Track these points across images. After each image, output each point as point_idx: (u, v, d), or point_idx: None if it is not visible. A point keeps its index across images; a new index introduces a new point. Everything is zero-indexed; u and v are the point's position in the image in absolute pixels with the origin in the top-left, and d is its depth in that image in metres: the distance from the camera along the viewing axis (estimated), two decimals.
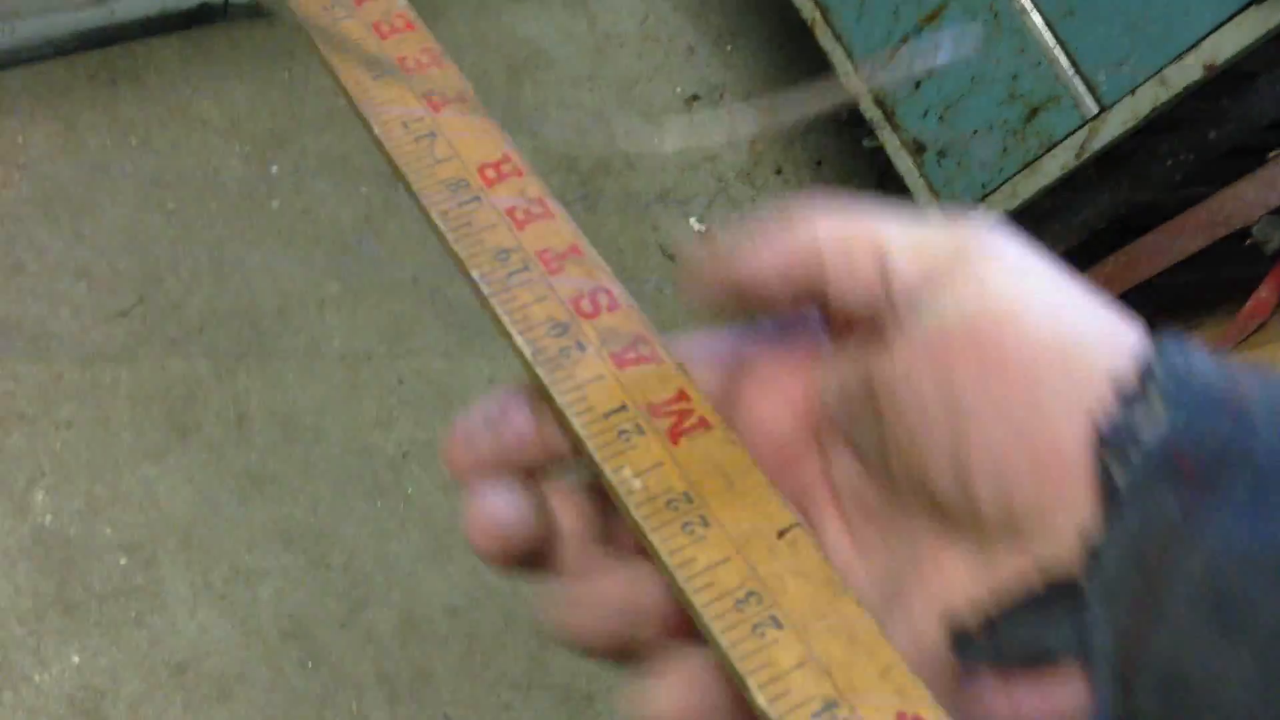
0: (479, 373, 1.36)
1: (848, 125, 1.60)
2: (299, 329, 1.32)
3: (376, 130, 0.30)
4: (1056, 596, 0.23)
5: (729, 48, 1.66)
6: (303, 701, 1.18)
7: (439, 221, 0.28)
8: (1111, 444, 0.22)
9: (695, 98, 1.61)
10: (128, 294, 1.28)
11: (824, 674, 0.22)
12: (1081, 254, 1.25)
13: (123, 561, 1.18)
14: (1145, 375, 0.23)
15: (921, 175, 1.31)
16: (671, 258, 1.49)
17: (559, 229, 0.28)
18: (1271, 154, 1.06)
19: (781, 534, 0.24)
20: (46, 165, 1.31)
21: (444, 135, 0.30)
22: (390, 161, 0.30)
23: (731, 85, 1.63)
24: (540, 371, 0.26)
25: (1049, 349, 0.23)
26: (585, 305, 0.27)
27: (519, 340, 0.26)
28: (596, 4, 1.63)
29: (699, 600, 0.23)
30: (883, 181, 1.58)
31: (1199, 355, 0.23)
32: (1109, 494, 0.22)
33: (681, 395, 0.26)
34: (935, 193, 1.30)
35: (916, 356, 0.24)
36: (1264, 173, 1.05)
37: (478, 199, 0.28)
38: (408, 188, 0.29)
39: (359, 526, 1.26)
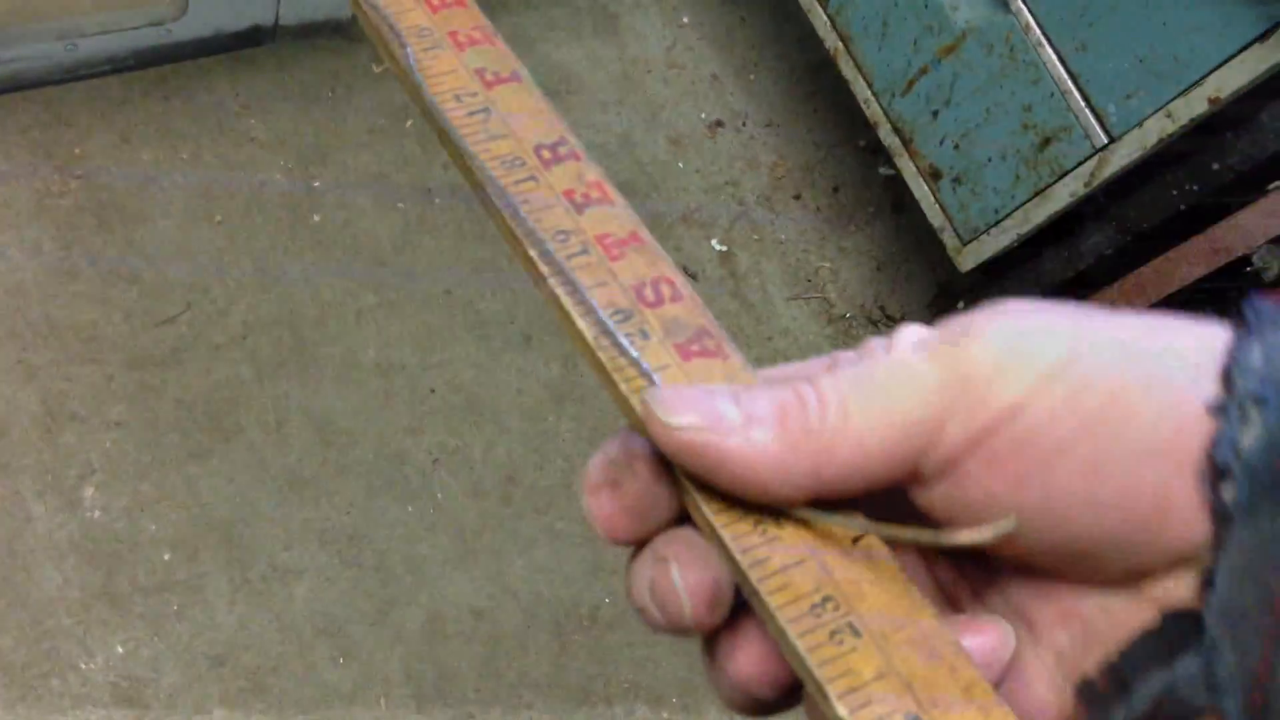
0: (507, 384, 1.39)
1: (865, 151, 1.65)
2: (336, 338, 1.35)
3: (428, 96, 0.28)
4: (1175, 629, 0.21)
5: (751, 76, 1.71)
6: (334, 696, 1.20)
7: (495, 196, 0.26)
8: (1215, 461, 0.20)
9: (719, 124, 1.66)
10: (176, 301, 1.31)
11: (905, 687, 0.21)
12: (1085, 280, 1.29)
13: (166, 557, 1.21)
14: (1227, 380, 0.21)
15: (936, 200, 1.35)
16: (694, 276, 1.53)
17: (619, 215, 0.27)
18: (1271, 185, 1.10)
19: (856, 540, 0.23)
20: (102, 176, 1.34)
21: (498, 112, 0.28)
22: (442, 134, 0.28)
23: (754, 113, 1.68)
24: (603, 357, 0.24)
25: (1127, 391, 0.21)
26: (648, 294, 0.25)
27: (580, 324, 0.25)
28: (625, 32, 1.68)
29: (774, 602, 0.22)
30: (898, 207, 1.63)
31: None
32: (1219, 516, 0.20)
33: None
34: (949, 217, 1.35)
35: (1012, 459, 0.22)
36: (1264, 203, 1.09)
37: (534, 178, 0.27)
38: (458, 159, 0.27)
39: (390, 529, 1.28)
